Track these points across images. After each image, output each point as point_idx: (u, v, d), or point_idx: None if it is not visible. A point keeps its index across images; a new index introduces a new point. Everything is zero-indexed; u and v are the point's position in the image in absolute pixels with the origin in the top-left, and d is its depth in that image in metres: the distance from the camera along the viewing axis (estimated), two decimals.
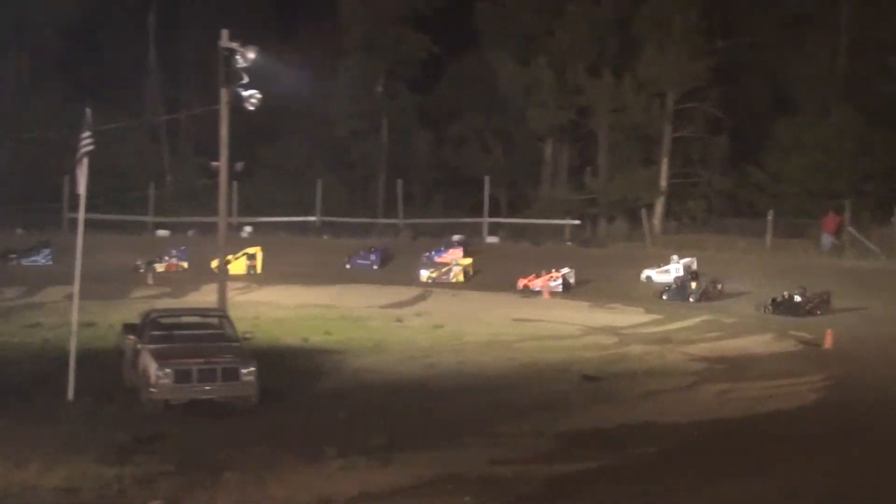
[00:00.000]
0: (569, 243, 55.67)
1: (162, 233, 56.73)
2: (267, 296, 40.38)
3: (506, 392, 23.80)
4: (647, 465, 17.05)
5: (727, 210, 58.39)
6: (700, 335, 33.13)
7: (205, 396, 21.01)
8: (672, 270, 45.47)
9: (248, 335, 23.83)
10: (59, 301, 35.37)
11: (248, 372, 21.02)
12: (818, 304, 37.87)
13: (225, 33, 27.72)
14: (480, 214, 59.24)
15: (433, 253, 50.31)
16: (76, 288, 22.30)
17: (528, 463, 16.92)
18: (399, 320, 35.48)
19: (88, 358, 22.98)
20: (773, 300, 38.43)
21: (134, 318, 24.83)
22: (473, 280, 46.33)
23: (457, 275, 46.98)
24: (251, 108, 28.17)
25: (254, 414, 20.79)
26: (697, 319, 36.19)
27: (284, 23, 68.41)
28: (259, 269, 48.04)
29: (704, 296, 41.30)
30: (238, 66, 27.65)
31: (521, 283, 44.81)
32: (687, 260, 46.21)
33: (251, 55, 27.59)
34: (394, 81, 66.94)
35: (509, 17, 62.57)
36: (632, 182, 58.36)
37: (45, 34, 65.59)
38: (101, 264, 38.36)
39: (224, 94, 28.19)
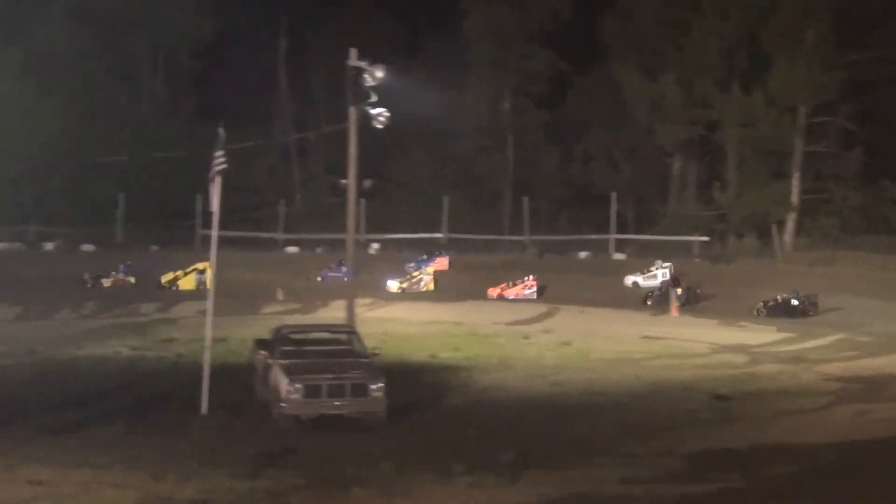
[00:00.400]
0: (697, 259, 54.98)
1: (291, 249, 57.60)
2: (394, 312, 40.62)
3: (635, 410, 23.51)
4: (781, 487, 16.61)
5: (860, 226, 56.99)
6: (835, 354, 32.38)
7: (334, 412, 21.09)
8: (659, 276, 46.90)
9: (376, 351, 23.91)
10: (192, 316, 36.13)
11: (377, 388, 21.07)
12: (808, 306, 41.58)
13: (353, 52, 28.00)
14: (607, 231, 58.85)
15: (419, 262, 51.91)
16: (210, 304, 22.68)
17: (658, 483, 16.63)
18: (526, 337, 35.40)
19: (221, 372, 23.28)
20: (765, 303, 41.53)
21: (265, 334, 25.13)
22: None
23: (427, 284, 48.33)
24: (379, 126, 28.39)
25: (382, 429, 20.85)
26: (832, 338, 35.42)
27: (411, 40, 69.06)
28: (209, 284, 47.97)
29: (687, 300, 43.53)
30: (366, 84, 27.89)
31: (494, 292, 45.70)
32: (667, 265, 47.42)
33: (379, 74, 27.80)
34: (520, 98, 66.94)
35: (636, 31, 62.19)
36: (762, 197, 57.39)
37: (179, 56, 67.26)
38: (233, 280, 39.09)
39: (353, 113, 28.46)
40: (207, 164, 22.67)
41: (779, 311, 40.86)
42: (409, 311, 40.73)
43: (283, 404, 20.78)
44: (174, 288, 47.78)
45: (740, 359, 31.47)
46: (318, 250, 56.03)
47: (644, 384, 26.93)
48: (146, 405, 22.91)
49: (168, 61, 67.95)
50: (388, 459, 17.78)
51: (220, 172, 22.19)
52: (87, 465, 17.00)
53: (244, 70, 67.01)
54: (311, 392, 20.78)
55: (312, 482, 16.16)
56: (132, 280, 49.12)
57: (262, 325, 31.46)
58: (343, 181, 29.43)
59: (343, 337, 24.21)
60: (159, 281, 48.08)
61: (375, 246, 56.84)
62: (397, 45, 64.70)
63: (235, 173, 24.11)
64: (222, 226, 22.96)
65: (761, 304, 41.22)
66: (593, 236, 59.40)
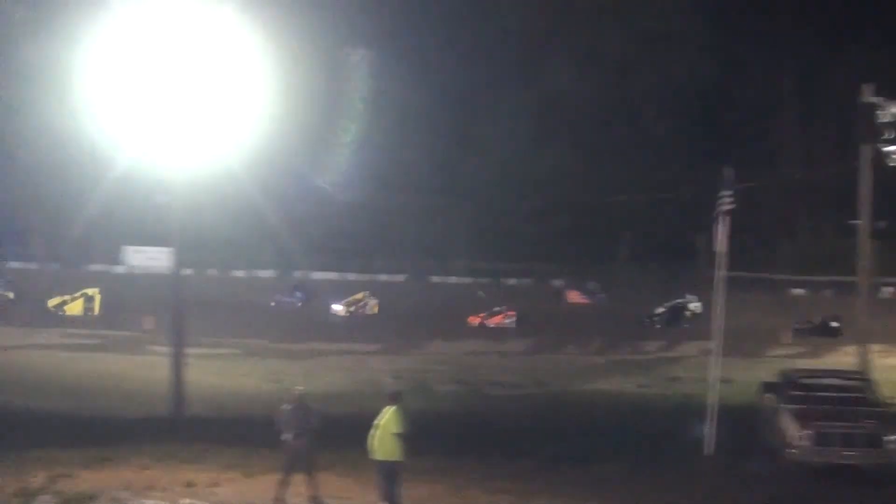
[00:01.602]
0: None
1: (797, 291, 56.20)
2: None
3: None
4: None
5: None
6: None
7: (844, 462, 20.18)
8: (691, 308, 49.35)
9: (894, 400, 22.71)
10: (696, 356, 36.19)
11: (892, 439, 19.95)
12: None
13: (867, 88, 26.83)
14: None
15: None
16: (716, 345, 22.51)
17: None
18: None
19: (726, 414, 23.04)
20: (798, 326, 45.92)
21: (772, 377, 24.61)
22: None
23: (372, 308, 51.17)
24: (894, 164, 26.97)
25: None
26: None
27: None
28: (97, 310, 47.54)
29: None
30: (880, 121, 26.61)
31: (475, 320, 47.86)
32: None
33: (894, 110, 26.42)
34: None
35: None
36: None
37: (682, 96, 67.82)
38: (737, 321, 38.64)
39: (864, 151, 27.25)
40: (711, 204, 22.59)
41: (820, 332, 45.05)
42: None
43: (791, 450, 20.21)
44: (61, 312, 47.63)
45: None
46: (826, 293, 54.16)
47: None
48: (650, 443, 23.08)
49: (671, 102, 68.61)
50: None
51: (726, 212, 22.06)
52: (594, 499, 17.47)
53: (748, 109, 66.46)
54: (822, 440, 20.01)
55: None
56: (10, 295, 49.68)
57: (768, 367, 30.96)
58: (854, 222, 28.24)
59: (856, 384, 23.13)
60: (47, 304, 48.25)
61: (890, 290, 54.06)
62: None
63: (739, 213, 23.85)
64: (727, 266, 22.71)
65: (796, 326, 46.61)
66: None
